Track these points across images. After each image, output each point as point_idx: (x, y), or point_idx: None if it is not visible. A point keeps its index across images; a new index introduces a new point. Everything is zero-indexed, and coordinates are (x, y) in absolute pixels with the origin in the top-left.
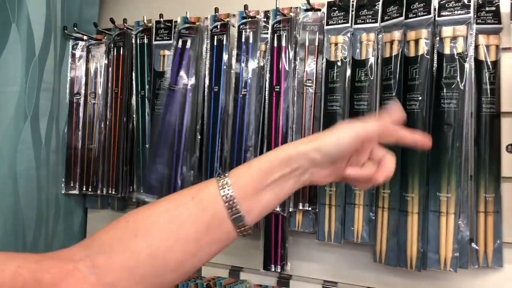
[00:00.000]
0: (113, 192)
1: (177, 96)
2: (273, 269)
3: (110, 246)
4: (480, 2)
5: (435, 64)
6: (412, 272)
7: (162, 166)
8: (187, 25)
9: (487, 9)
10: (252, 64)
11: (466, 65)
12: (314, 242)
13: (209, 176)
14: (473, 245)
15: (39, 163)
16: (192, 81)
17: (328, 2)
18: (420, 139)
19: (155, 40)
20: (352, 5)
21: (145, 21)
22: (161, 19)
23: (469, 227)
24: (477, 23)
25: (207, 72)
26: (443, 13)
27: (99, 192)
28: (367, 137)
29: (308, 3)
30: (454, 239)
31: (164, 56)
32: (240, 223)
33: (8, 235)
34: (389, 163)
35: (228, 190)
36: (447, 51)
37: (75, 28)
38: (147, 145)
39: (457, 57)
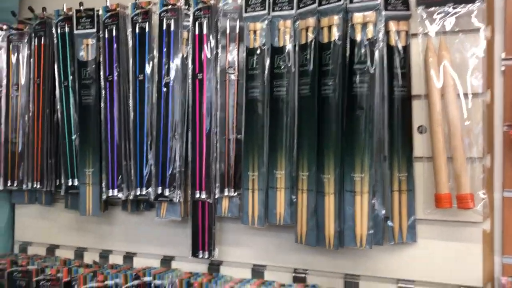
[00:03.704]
0: (39, 186)
1: (114, 86)
2: (200, 256)
3: None
4: None
5: (347, 50)
6: (332, 250)
7: (122, 159)
8: (109, 13)
9: None
10: (175, 52)
11: (376, 50)
12: (241, 227)
13: (138, 166)
14: (389, 222)
15: None
16: (117, 70)
17: None
18: None
19: (77, 29)
20: None
21: (65, 9)
22: (81, 8)
23: (385, 205)
24: (387, 10)
25: (131, 61)
26: (354, 0)
27: (24, 186)
28: None
29: None
30: (369, 217)
31: (88, 45)
32: None
33: None
34: None
35: None
36: (358, 37)
37: None
38: (73, 137)
39: (367, 42)
